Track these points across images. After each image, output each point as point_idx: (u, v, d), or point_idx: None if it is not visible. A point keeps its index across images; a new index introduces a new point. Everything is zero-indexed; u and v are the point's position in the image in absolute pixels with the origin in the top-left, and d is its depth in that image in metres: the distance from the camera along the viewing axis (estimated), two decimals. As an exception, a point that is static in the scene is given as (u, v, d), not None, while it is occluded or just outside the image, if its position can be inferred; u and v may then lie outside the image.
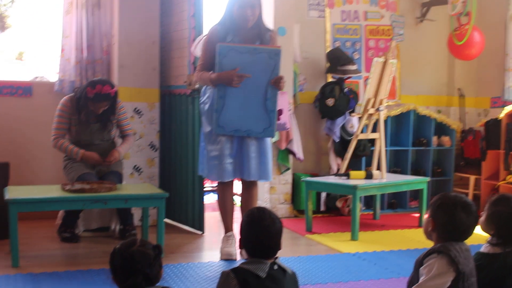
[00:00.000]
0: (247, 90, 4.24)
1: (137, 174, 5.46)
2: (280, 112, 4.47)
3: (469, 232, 2.51)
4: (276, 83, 4.23)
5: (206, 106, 4.34)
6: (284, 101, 5.45)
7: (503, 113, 6.21)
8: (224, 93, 4.23)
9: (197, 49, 4.77)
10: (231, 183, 4.47)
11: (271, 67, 4.22)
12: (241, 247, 2.48)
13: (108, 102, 4.77)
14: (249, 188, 4.48)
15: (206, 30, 4.85)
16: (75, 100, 4.82)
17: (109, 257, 2.20)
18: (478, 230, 2.58)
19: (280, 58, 4.22)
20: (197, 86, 5.00)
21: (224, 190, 4.47)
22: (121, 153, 4.91)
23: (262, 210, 2.46)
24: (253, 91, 4.25)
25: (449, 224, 2.48)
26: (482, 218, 2.76)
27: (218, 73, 4.20)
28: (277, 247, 2.41)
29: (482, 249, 2.74)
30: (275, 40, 4.43)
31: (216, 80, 4.21)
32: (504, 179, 6.16)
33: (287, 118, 5.57)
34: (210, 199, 6.91)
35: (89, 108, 4.77)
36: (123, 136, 5.04)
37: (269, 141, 4.44)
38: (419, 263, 2.50)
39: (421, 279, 2.43)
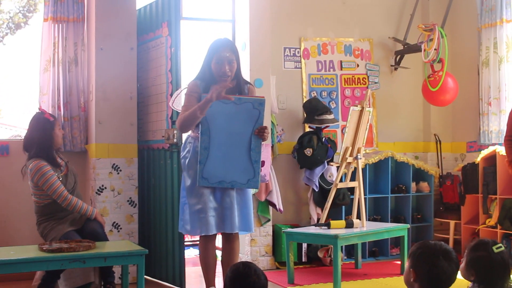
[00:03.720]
0: (231, 140, 4.23)
1: (116, 231, 5.39)
2: (262, 163, 4.45)
3: (451, 280, 2.49)
4: (260, 133, 4.22)
5: (187, 160, 4.31)
6: (267, 153, 5.46)
7: (479, 157, 6.27)
8: (209, 143, 4.21)
9: (176, 103, 4.77)
10: (214, 237, 4.41)
11: (255, 117, 4.21)
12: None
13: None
14: (231, 241, 4.41)
15: (183, 85, 4.89)
16: (45, 158, 4.79)
17: None
18: (459, 276, 2.56)
19: (264, 108, 4.23)
20: (175, 140, 5.00)
21: (206, 244, 4.39)
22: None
23: (247, 265, 2.44)
24: (237, 141, 4.24)
25: (431, 274, 2.46)
26: (462, 265, 2.74)
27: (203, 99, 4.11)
28: (262, 301, 2.40)
29: (465, 296, 2.72)
30: (254, 93, 4.43)
31: (203, 103, 4.06)
32: (484, 223, 6.19)
33: (268, 170, 5.58)
34: (190, 254, 6.84)
35: (56, 139, 4.87)
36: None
37: (250, 192, 4.42)
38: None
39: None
